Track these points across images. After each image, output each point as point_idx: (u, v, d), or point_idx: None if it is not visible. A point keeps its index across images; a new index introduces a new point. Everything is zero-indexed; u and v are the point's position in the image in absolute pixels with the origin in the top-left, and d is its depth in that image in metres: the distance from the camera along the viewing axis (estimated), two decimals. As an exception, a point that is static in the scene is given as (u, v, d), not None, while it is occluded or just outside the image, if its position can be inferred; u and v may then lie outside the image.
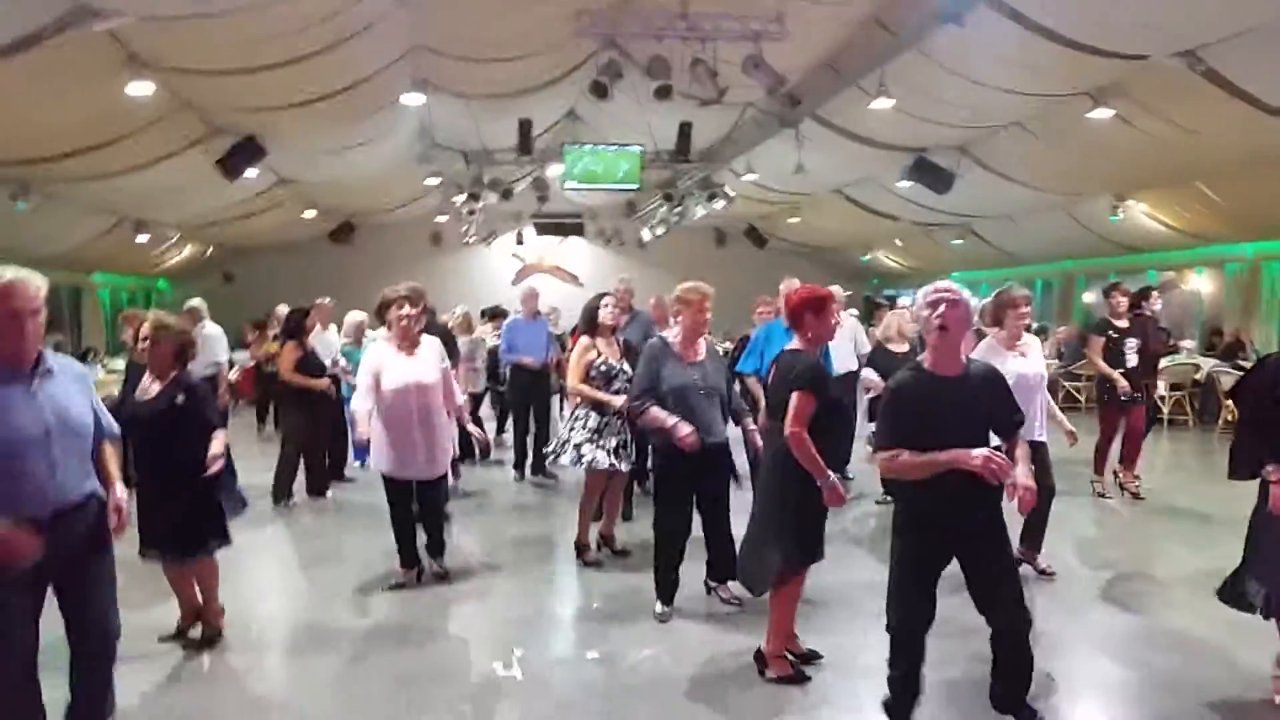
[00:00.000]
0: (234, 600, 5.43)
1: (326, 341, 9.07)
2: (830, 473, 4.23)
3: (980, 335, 5.99)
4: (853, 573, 6.20)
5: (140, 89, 8.97)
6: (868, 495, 8.50)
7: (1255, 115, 9.43)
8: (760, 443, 4.99)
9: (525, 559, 6.84)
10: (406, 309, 5.84)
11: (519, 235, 24.02)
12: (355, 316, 9.56)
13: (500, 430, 12.11)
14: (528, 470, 9.69)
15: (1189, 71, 8.87)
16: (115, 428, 3.74)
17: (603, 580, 6.22)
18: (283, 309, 12.14)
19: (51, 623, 3.38)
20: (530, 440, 9.71)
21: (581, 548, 6.58)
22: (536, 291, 9.91)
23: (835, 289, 8.86)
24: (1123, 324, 8.32)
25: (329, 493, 8.83)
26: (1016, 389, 5.25)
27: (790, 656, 4.59)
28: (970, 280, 20.17)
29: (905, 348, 7.94)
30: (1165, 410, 13.67)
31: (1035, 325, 15.63)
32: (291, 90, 10.46)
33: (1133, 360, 8.18)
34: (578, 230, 23.45)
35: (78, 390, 3.45)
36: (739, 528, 4.97)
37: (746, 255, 24.51)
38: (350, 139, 13.16)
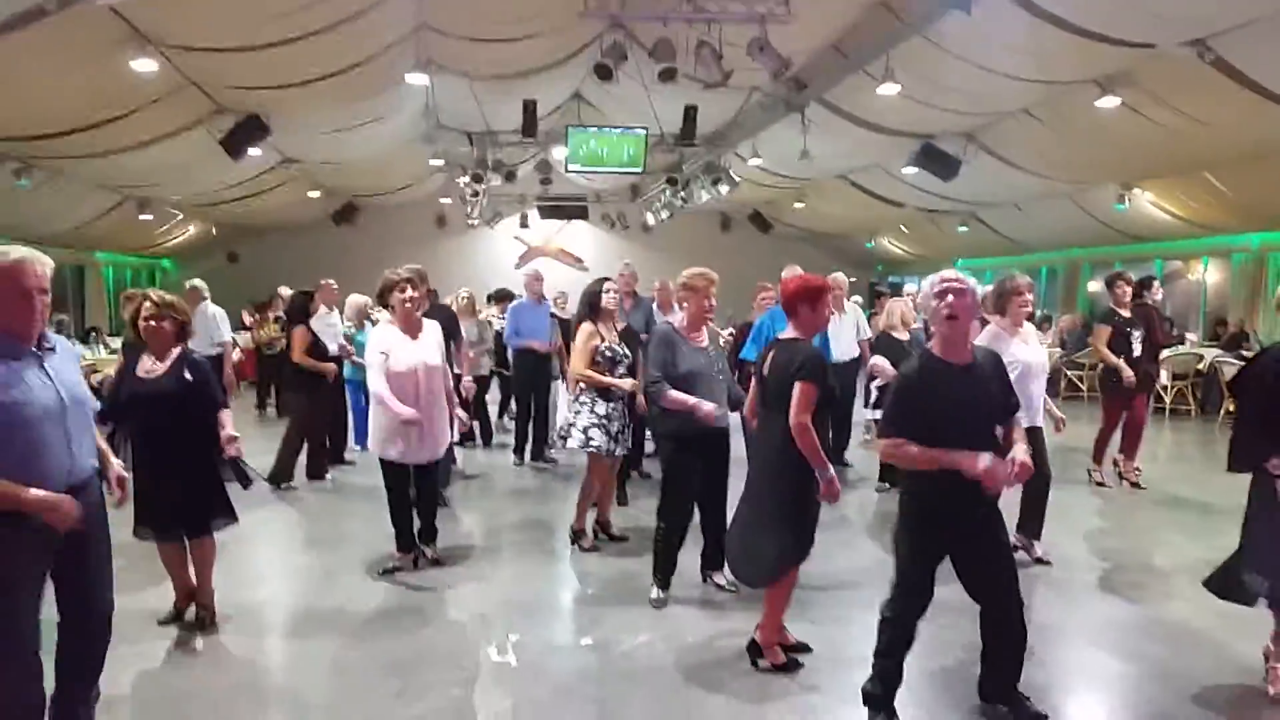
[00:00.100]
0: (230, 583, 5.45)
1: (330, 324, 9.06)
2: (829, 465, 4.22)
3: (984, 322, 5.99)
4: (843, 561, 6.21)
5: (144, 66, 8.95)
6: (867, 480, 8.50)
7: (1263, 105, 9.37)
8: None
9: (522, 543, 6.85)
10: (409, 292, 5.81)
11: (523, 218, 23.98)
12: (357, 299, 9.55)
13: (502, 414, 12.12)
14: (527, 455, 9.70)
15: (1197, 60, 8.80)
16: (97, 405, 3.77)
17: (598, 566, 6.23)
18: (285, 290, 12.18)
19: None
20: (529, 425, 9.72)
21: (578, 534, 6.60)
22: (541, 275, 9.87)
23: (838, 276, 8.96)
24: (1127, 314, 8.30)
25: (329, 476, 8.84)
26: (1019, 375, 5.31)
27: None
28: (975, 268, 20.16)
29: (908, 335, 7.95)
30: (1168, 400, 13.65)
31: (1039, 313, 15.76)
32: (295, 69, 10.42)
33: (1137, 350, 8.18)
34: (582, 214, 23.40)
35: (75, 367, 3.50)
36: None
37: (751, 240, 24.48)
38: (354, 119, 13.10)
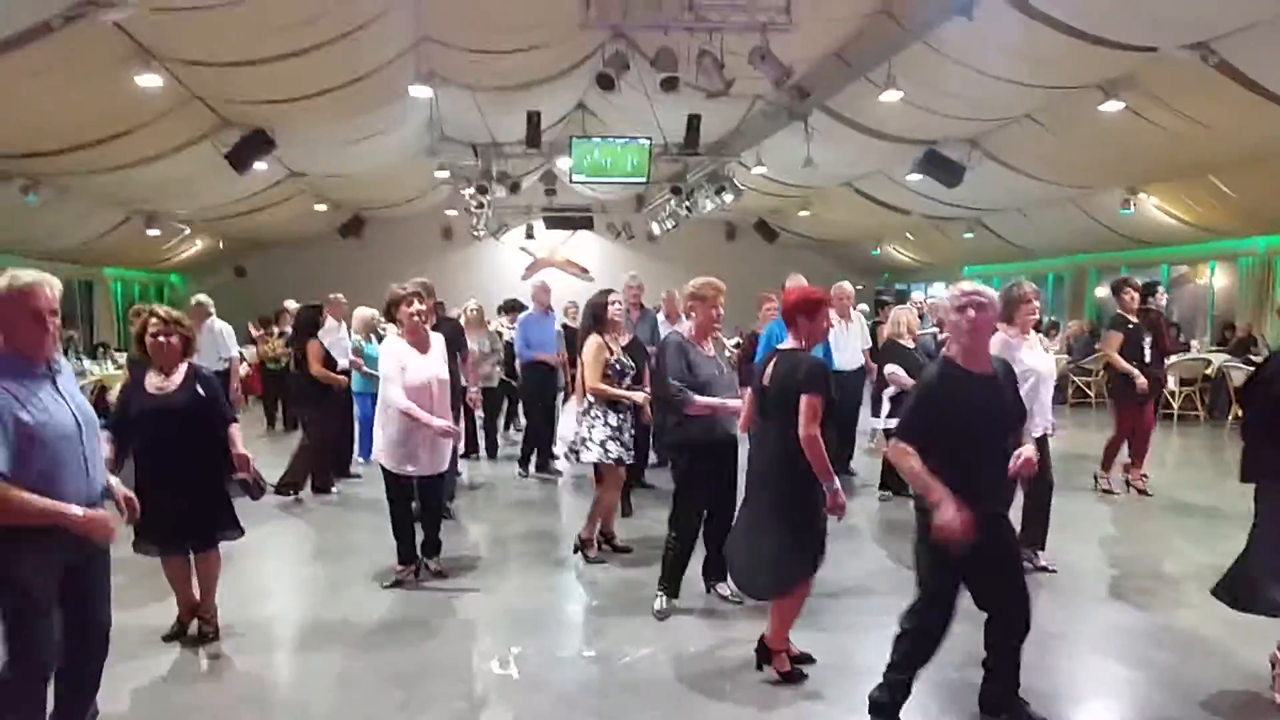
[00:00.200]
0: (234, 596, 5.45)
1: (339, 338, 9.08)
2: (835, 477, 4.21)
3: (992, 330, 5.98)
4: (852, 569, 6.19)
5: (149, 81, 9.01)
6: (874, 487, 8.47)
7: (1267, 107, 9.35)
8: None
9: (526, 555, 6.85)
10: (416, 305, 5.82)
11: (529, 229, 24.02)
12: (365, 312, 9.57)
13: (508, 426, 12.12)
14: (531, 466, 9.70)
15: (1201, 63, 8.79)
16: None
17: (601, 577, 6.21)
18: (291, 304, 12.22)
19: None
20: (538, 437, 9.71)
21: (585, 543, 6.59)
22: (548, 287, 9.87)
23: (844, 285, 8.95)
24: (1135, 320, 8.27)
25: (335, 489, 8.84)
26: (1032, 383, 5.33)
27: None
28: (982, 274, 20.10)
29: (914, 344, 7.91)
30: (1175, 405, 13.59)
31: (1047, 320, 15.71)
32: (299, 82, 10.47)
33: (1149, 356, 8.16)
34: (587, 224, 23.43)
35: (77, 386, 3.54)
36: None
37: (757, 249, 24.44)
38: (358, 132, 13.16)
